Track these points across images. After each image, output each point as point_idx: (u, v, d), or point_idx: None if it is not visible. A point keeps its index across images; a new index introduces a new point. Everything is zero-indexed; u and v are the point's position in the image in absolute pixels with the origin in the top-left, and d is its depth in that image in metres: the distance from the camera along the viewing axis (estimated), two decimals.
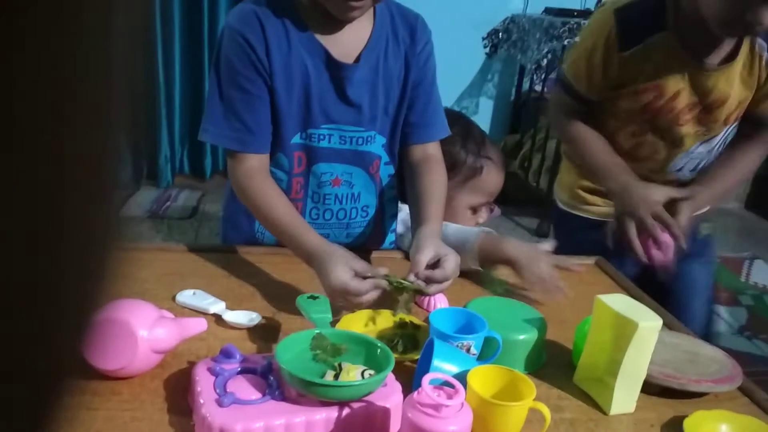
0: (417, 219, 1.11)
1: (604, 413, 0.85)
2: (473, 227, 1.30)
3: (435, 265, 0.98)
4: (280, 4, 1.10)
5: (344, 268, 0.94)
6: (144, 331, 0.78)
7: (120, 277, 0.22)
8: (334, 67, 1.12)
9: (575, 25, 3.13)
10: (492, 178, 1.37)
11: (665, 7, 1.28)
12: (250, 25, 1.08)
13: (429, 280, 0.97)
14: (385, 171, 1.25)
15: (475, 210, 1.40)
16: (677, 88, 1.30)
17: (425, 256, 0.97)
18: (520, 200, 3.45)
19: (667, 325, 1.04)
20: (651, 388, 0.87)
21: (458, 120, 1.40)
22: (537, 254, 1.14)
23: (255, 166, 1.11)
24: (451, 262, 0.98)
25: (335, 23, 1.11)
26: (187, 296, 1.01)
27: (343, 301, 0.95)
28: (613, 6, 1.30)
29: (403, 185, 1.23)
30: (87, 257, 0.21)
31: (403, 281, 0.96)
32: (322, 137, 1.16)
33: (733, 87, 1.30)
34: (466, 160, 1.35)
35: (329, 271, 0.94)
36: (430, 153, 1.22)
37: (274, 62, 1.09)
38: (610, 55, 1.30)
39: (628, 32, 1.28)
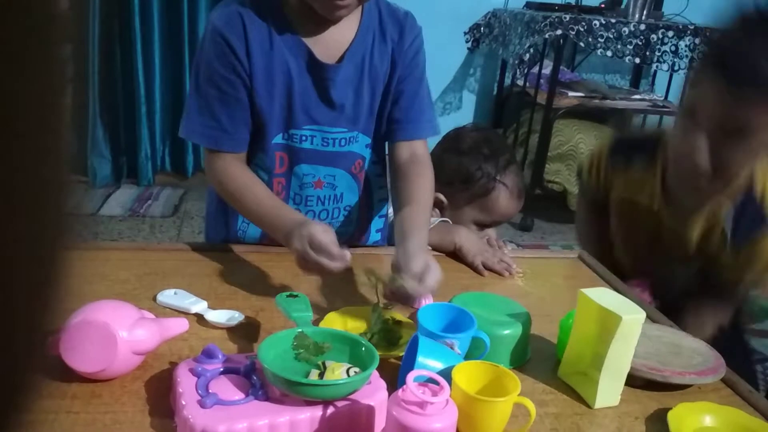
0: (404, 228, 1.04)
1: (589, 407, 0.85)
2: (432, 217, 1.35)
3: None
4: (266, 4, 1.08)
5: (304, 240, 0.94)
6: (124, 332, 0.77)
7: (73, 277, 0.22)
8: (316, 67, 1.11)
9: (556, 20, 3.14)
10: (501, 202, 1.43)
11: (656, 152, 1.29)
12: (232, 25, 1.07)
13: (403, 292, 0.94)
14: (373, 170, 1.24)
15: (482, 227, 1.42)
16: (642, 237, 1.33)
17: (417, 266, 0.93)
18: None
19: (650, 317, 1.04)
20: (635, 381, 0.88)
21: (492, 142, 1.50)
22: (482, 244, 1.27)
23: (229, 160, 1.12)
24: (434, 277, 0.94)
25: (321, 23, 1.09)
26: (168, 296, 0.99)
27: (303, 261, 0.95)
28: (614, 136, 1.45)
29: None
30: (38, 257, 0.20)
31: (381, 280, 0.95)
32: (304, 138, 1.14)
33: (691, 238, 1.26)
34: (479, 180, 1.42)
35: (301, 230, 0.95)
36: (417, 153, 1.18)
37: (254, 63, 1.08)
38: (599, 166, 1.39)
39: (617, 151, 1.37)
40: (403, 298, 0.95)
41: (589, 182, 1.43)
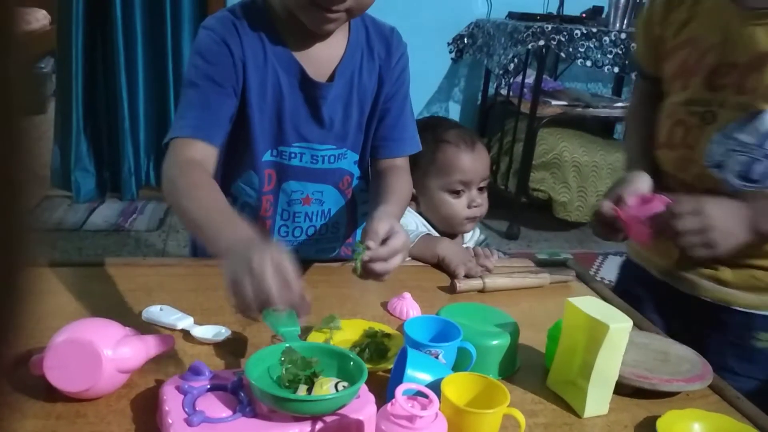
0: (376, 202, 1.04)
1: (578, 416, 0.85)
2: (418, 230, 1.35)
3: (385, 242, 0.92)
4: (257, 17, 1.08)
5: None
6: (108, 350, 0.76)
7: (35, 293, 0.21)
8: (309, 86, 1.10)
9: (538, 29, 3.17)
10: (449, 157, 1.39)
11: None
12: (230, 33, 1.06)
13: (373, 259, 0.90)
14: (358, 185, 1.24)
15: (456, 193, 1.39)
16: (711, 41, 1.09)
17: (382, 228, 0.91)
18: (489, 203, 3.47)
19: (637, 325, 1.05)
20: (623, 389, 0.88)
21: (438, 121, 1.51)
22: (464, 254, 1.26)
23: (196, 158, 1.01)
24: (399, 240, 0.91)
25: (310, 38, 1.09)
26: (154, 312, 0.98)
27: (257, 283, 0.75)
28: None
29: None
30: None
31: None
32: (293, 155, 1.14)
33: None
34: (423, 150, 1.35)
35: (266, 248, 0.77)
36: (397, 164, 1.21)
37: (249, 76, 1.06)
38: (652, 11, 1.22)
39: None
40: (371, 271, 0.91)
41: (641, 54, 1.28)
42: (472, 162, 1.40)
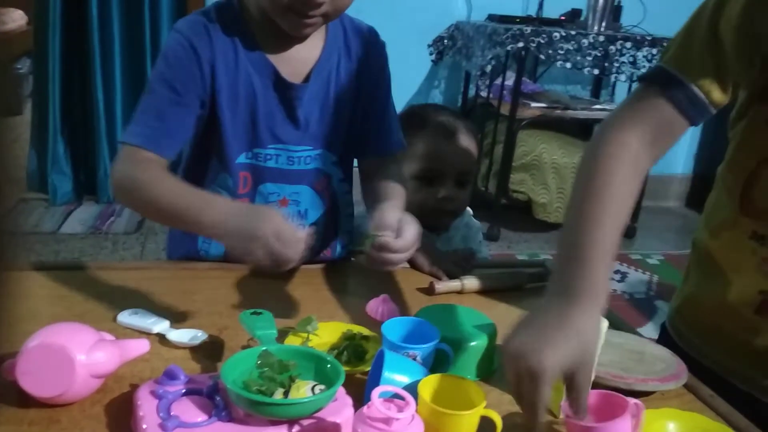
0: (377, 197, 1.08)
1: (555, 416, 0.85)
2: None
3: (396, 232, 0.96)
4: (231, 20, 1.07)
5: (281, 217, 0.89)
6: (82, 355, 0.75)
7: (10, 297, 0.21)
8: (282, 87, 1.10)
9: (518, 32, 3.18)
10: (425, 142, 1.37)
11: None
12: (200, 36, 1.05)
13: (383, 248, 0.94)
14: (341, 188, 1.24)
15: (428, 181, 1.37)
16: None
17: (392, 218, 0.96)
18: (469, 204, 3.48)
19: (612, 325, 1.05)
20: (599, 389, 0.88)
21: (423, 109, 1.49)
22: (443, 255, 1.27)
23: (153, 158, 1.04)
24: (412, 231, 0.96)
25: (286, 40, 1.09)
26: (129, 316, 0.97)
27: (267, 250, 0.86)
28: None
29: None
30: None
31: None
32: (269, 157, 1.13)
33: None
34: (406, 135, 1.34)
35: (264, 214, 0.89)
36: (387, 162, 1.21)
37: (219, 79, 1.06)
38: (730, 11, 0.80)
39: None
40: (380, 260, 0.94)
41: (699, 69, 0.82)
42: (445, 151, 1.37)
